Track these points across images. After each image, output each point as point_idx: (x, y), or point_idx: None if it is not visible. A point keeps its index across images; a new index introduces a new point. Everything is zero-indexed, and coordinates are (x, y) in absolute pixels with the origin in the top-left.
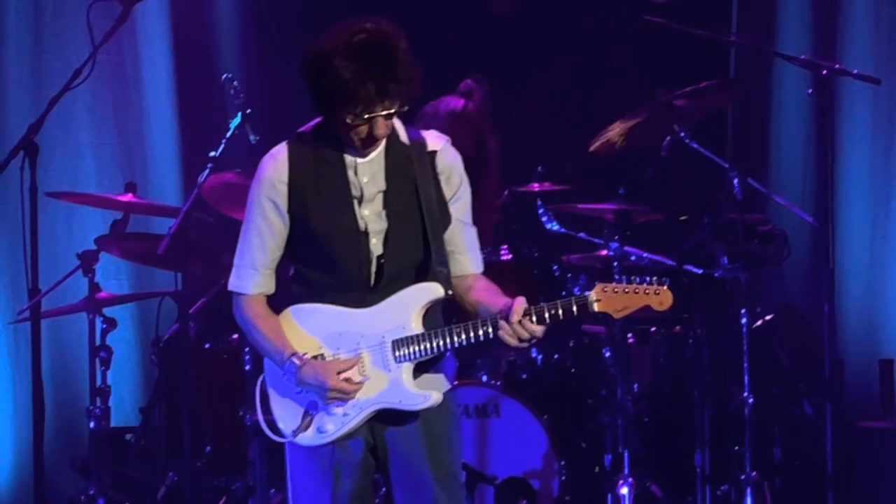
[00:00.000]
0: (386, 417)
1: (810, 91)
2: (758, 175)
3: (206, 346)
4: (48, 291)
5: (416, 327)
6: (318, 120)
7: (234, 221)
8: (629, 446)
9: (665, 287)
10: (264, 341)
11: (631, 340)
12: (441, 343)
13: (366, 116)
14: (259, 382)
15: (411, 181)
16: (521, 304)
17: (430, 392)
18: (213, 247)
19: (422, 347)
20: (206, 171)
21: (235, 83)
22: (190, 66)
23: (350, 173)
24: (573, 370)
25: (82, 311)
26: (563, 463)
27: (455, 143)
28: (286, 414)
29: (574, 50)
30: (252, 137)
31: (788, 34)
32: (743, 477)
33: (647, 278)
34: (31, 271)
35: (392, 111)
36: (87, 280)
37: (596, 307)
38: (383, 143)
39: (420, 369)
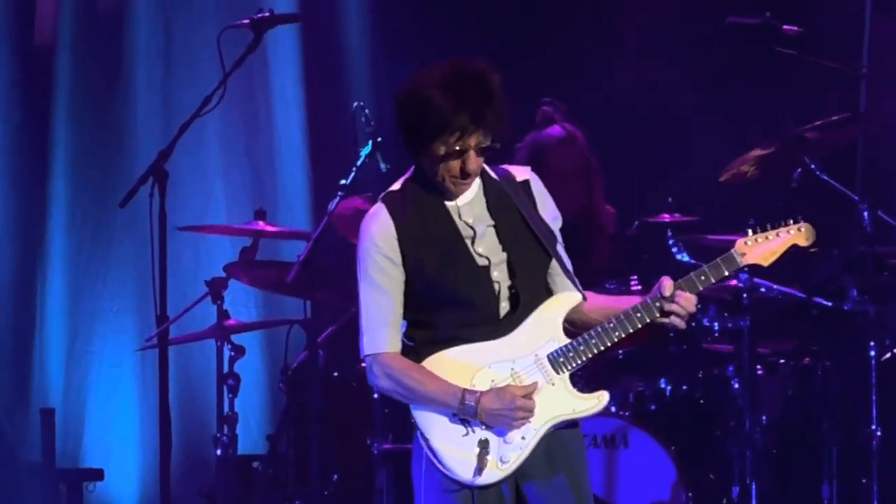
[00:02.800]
0: (536, 457)
1: None
2: (888, 207)
3: (335, 374)
4: (177, 318)
5: (566, 337)
6: (406, 176)
7: None
8: (757, 478)
9: (804, 222)
10: (425, 390)
11: (760, 372)
12: (599, 343)
13: (458, 147)
14: (420, 441)
15: (515, 210)
16: (668, 280)
17: (598, 393)
18: (343, 275)
19: (581, 352)
20: (337, 199)
21: (367, 111)
22: (320, 94)
23: (455, 217)
24: (701, 401)
25: (210, 339)
26: (690, 495)
27: (568, 164)
28: (457, 461)
29: (704, 82)
30: (383, 166)
31: None
32: None
33: (782, 222)
34: (159, 298)
35: (485, 145)
36: (215, 307)
37: (742, 260)
38: (477, 184)
39: (574, 383)
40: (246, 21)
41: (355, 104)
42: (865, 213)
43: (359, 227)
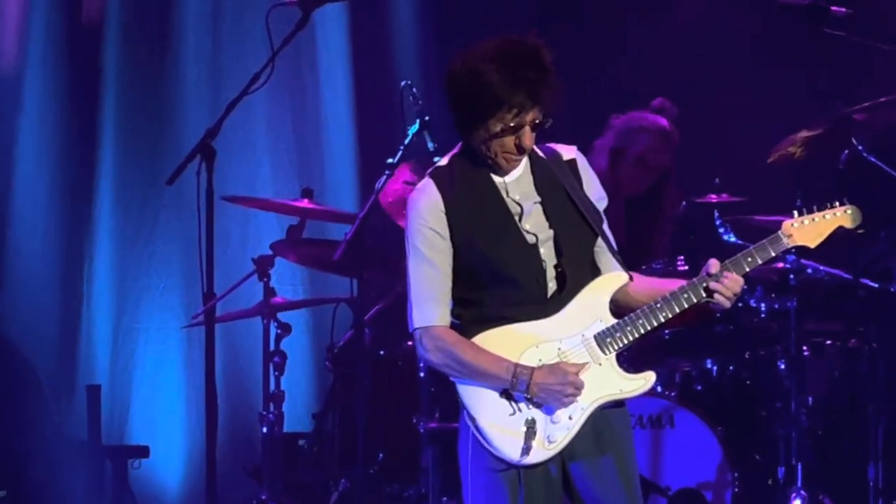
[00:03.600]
0: (584, 436)
1: None
2: None
3: (381, 352)
4: (223, 296)
5: (613, 317)
6: (453, 152)
7: None
8: (803, 459)
9: (851, 204)
10: (477, 363)
11: (806, 353)
12: (646, 323)
13: (513, 124)
14: (463, 415)
15: (561, 189)
16: (715, 261)
17: (645, 373)
18: (389, 253)
19: (628, 332)
20: (384, 178)
21: (414, 90)
22: (368, 72)
23: (503, 193)
24: (748, 382)
25: (257, 316)
26: (736, 475)
27: (655, 158)
28: (504, 440)
29: (752, 62)
30: (431, 145)
31: None
32: None
33: (828, 203)
34: (206, 275)
35: (540, 121)
36: (262, 285)
37: (789, 242)
38: (525, 161)
39: (620, 364)
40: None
41: (403, 83)
42: None
43: (405, 208)
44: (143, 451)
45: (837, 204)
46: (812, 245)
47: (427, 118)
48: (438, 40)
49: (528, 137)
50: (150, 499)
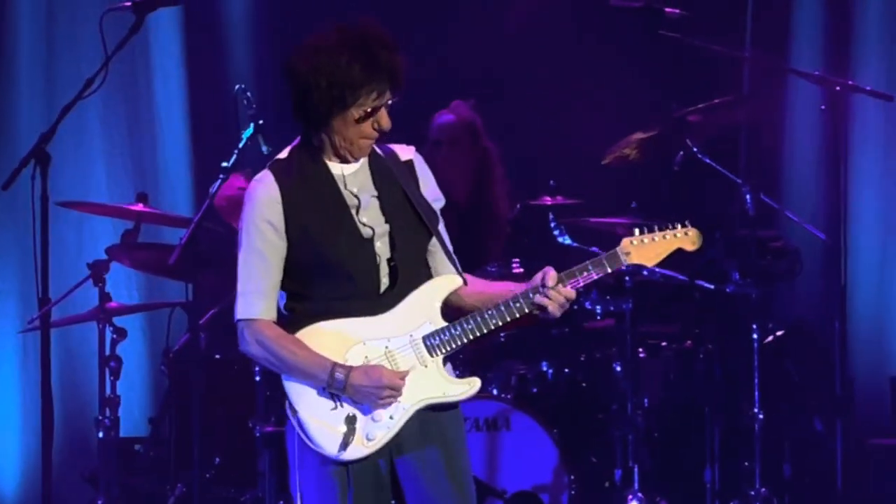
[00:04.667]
0: (411, 433)
1: (823, 107)
2: (770, 191)
3: (217, 356)
4: (58, 301)
5: (443, 320)
6: (293, 144)
7: None
8: (639, 461)
9: (691, 227)
10: (296, 360)
11: (642, 355)
12: (475, 329)
13: (372, 108)
14: (287, 408)
15: (398, 186)
16: (552, 271)
17: (470, 379)
18: (225, 257)
19: (457, 337)
20: (218, 182)
21: (248, 94)
22: (202, 77)
23: (340, 186)
24: (584, 384)
25: (92, 321)
26: (572, 477)
27: (456, 151)
28: (323, 434)
29: (586, 64)
30: (264, 148)
31: (802, 50)
32: (752, 493)
33: (670, 224)
34: (41, 280)
35: (392, 101)
36: (97, 290)
37: (626, 260)
38: (364, 158)
39: (445, 366)
40: (128, 3)
41: (237, 86)
42: (748, 197)
43: (239, 212)
44: None
45: (679, 225)
46: (650, 265)
47: (261, 122)
48: (272, 44)
49: (386, 119)
50: None
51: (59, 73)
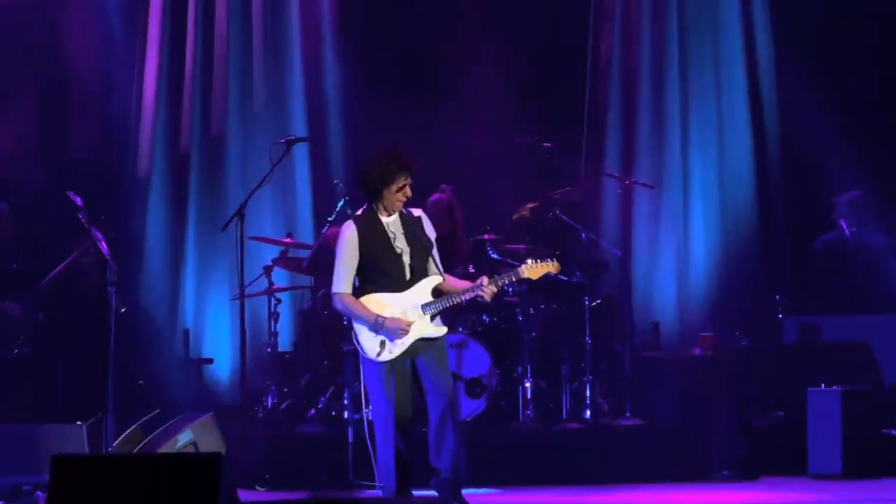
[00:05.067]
0: (418, 348)
1: (619, 191)
2: (594, 231)
3: (325, 312)
4: (249, 285)
5: (432, 296)
6: (363, 209)
7: None
8: (530, 363)
9: (556, 261)
10: (360, 312)
11: (532, 312)
12: (448, 302)
13: (402, 185)
14: (353, 335)
15: (413, 230)
16: (486, 279)
17: (441, 327)
18: (330, 264)
19: (438, 305)
20: (326, 227)
21: (340, 184)
22: (319, 175)
23: (385, 228)
24: (503, 326)
25: (265, 295)
26: (498, 371)
27: (437, 215)
28: (369, 348)
29: (506, 168)
30: (349, 211)
31: (611, 159)
32: (585, 378)
33: (548, 258)
34: (240, 275)
35: (411, 183)
36: (267, 280)
37: (524, 275)
38: (396, 214)
39: (431, 320)
40: (283, 140)
41: (335, 181)
42: (583, 235)
43: (336, 242)
44: (209, 361)
45: (550, 260)
46: (534, 278)
47: (347, 198)
48: (356, 154)
49: (408, 191)
50: (214, 385)
51: (250, 172)
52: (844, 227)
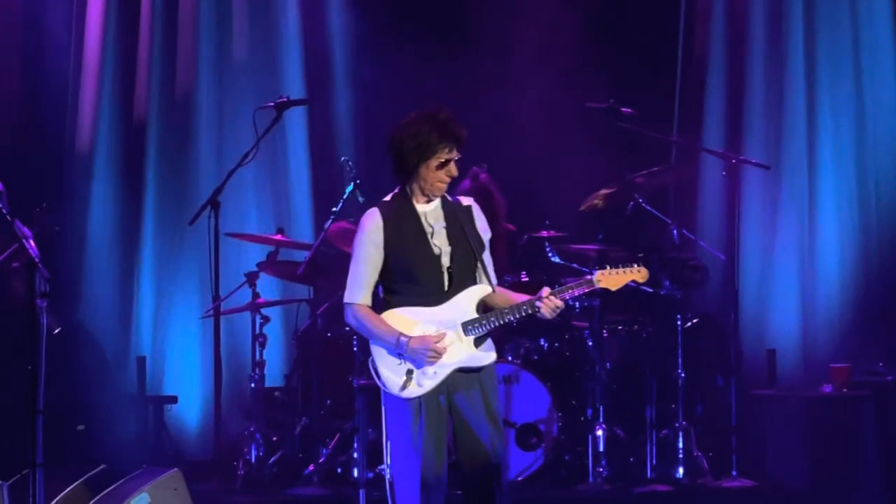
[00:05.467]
0: (457, 382)
1: (724, 173)
2: (689, 227)
3: (328, 334)
4: (225, 298)
5: (477, 312)
6: (393, 193)
7: (347, 253)
8: (603, 403)
9: (643, 267)
10: (378, 330)
11: (605, 335)
12: (496, 321)
13: (444, 159)
14: (370, 363)
15: (459, 223)
16: (547, 290)
17: (489, 353)
18: (334, 269)
19: (484, 325)
20: (330, 220)
21: (350, 163)
22: (320, 150)
23: (422, 219)
24: (567, 353)
25: (247, 311)
26: (559, 414)
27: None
28: (391, 380)
29: (572, 143)
30: (361, 199)
31: (711, 132)
32: (676, 425)
33: (631, 264)
34: (213, 285)
35: (458, 157)
36: (250, 291)
37: (599, 285)
38: (438, 201)
39: (476, 343)
40: (271, 104)
41: (342, 158)
42: (674, 231)
43: (343, 240)
44: (173, 399)
45: (635, 265)
46: (613, 289)
47: (358, 181)
48: (368, 128)
49: (454, 168)
50: (178, 432)
51: (226, 146)
52: None
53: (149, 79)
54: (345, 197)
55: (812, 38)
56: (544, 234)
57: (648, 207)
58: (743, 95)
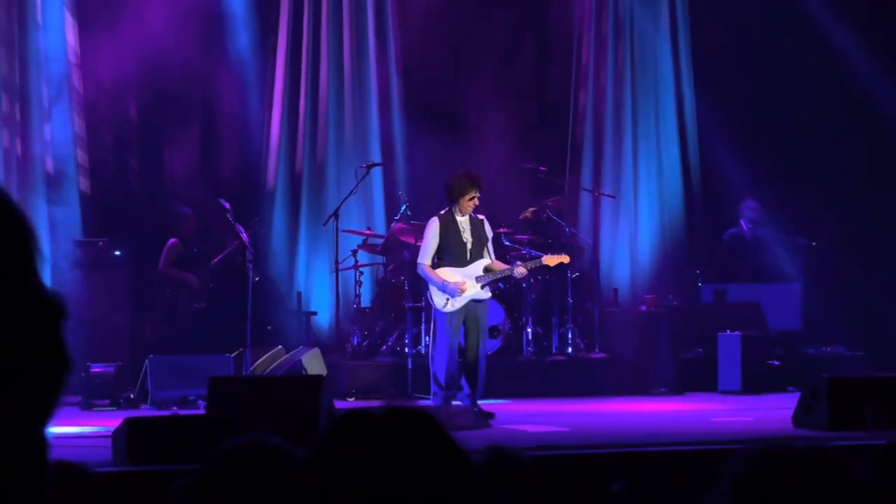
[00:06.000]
0: (470, 305)
1: (592, 199)
2: (574, 226)
3: (392, 281)
4: (343, 261)
5: (483, 271)
6: (445, 209)
7: (404, 242)
8: (531, 315)
9: (567, 255)
10: (436, 279)
11: (533, 281)
12: (494, 276)
13: (474, 195)
14: (428, 294)
15: (476, 227)
16: (520, 263)
17: (487, 293)
18: (396, 249)
19: (488, 277)
20: (393, 222)
21: (402, 194)
22: (387, 185)
23: (459, 225)
24: (514, 290)
25: (352, 269)
26: (509, 320)
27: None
28: (439, 301)
29: (512, 183)
30: (409, 213)
31: (587, 171)
32: (568, 325)
33: (562, 252)
34: (335, 255)
35: (480, 196)
36: (353, 259)
37: (545, 262)
38: (468, 216)
39: (481, 288)
40: (364, 165)
41: (399, 192)
42: (567, 230)
43: (401, 234)
44: (314, 313)
45: (564, 253)
46: (551, 265)
47: (407, 203)
48: (419, 162)
49: (476, 201)
50: (316, 330)
51: (343, 184)
52: (744, 224)
53: (303, 150)
54: (401, 211)
55: (636, 127)
56: (502, 230)
57: (554, 217)
58: (601, 158)
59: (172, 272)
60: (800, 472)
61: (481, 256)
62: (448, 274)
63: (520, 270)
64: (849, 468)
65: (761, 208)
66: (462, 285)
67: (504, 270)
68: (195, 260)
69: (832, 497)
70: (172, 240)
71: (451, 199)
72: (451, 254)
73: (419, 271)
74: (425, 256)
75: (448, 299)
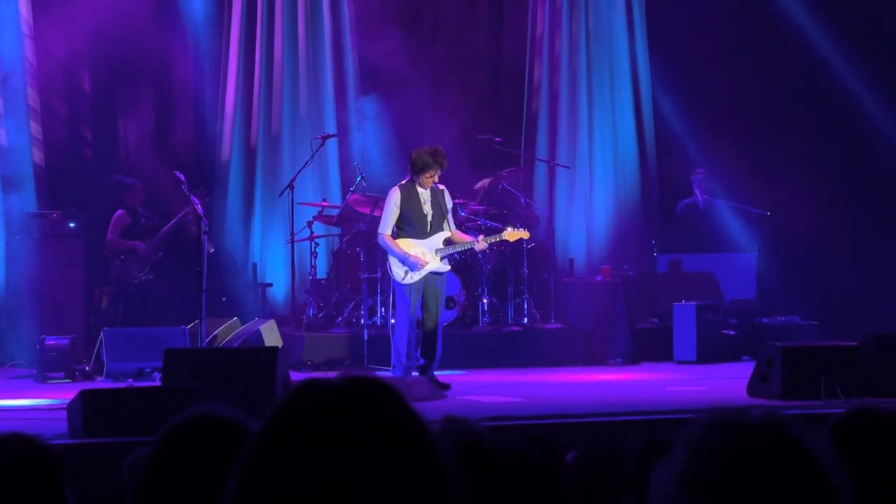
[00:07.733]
0: (429, 277)
1: (547, 170)
2: (529, 197)
3: (348, 252)
4: (298, 233)
5: (443, 244)
6: (406, 179)
7: (359, 212)
8: (486, 286)
9: (526, 230)
10: (396, 249)
11: (488, 251)
12: (454, 249)
13: (433, 174)
14: (387, 265)
15: (437, 199)
16: (481, 237)
17: (446, 266)
18: (352, 220)
19: (448, 250)
20: (349, 194)
21: (358, 166)
22: (342, 156)
23: (419, 196)
24: (469, 261)
25: (308, 241)
26: (465, 292)
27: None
28: (398, 273)
29: (469, 155)
30: (364, 185)
31: (542, 143)
32: (524, 296)
33: (521, 227)
34: (291, 226)
35: (440, 173)
36: (309, 230)
37: (505, 237)
38: (429, 188)
39: (440, 260)
40: (319, 136)
41: (355, 164)
42: (522, 200)
43: (357, 204)
44: (270, 285)
45: (523, 228)
46: (511, 240)
47: (362, 175)
48: (376, 134)
49: (436, 178)
50: (272, 301)
51: (298, 156)
52: (698, 194)
53: (258, 122)
54: (356, 183)
55: (590, 99)
56: (457, 201)
57: (509, 187)
58: (556, 130)
59: (120, 242)
60: (752, 440)
61: (441, 228)
62: (408, 245)
63: (481, 245)
64: (802, 437)
65: (710, 175)
66: (423, 259)
67: (465, 243)
68: (144, 231)
69: (785, 465)
70: (119, 211)
71: (414, 171)
72: (411, 225)
73: (380, 241)
74: (386, 227)
75: (407, 271)
